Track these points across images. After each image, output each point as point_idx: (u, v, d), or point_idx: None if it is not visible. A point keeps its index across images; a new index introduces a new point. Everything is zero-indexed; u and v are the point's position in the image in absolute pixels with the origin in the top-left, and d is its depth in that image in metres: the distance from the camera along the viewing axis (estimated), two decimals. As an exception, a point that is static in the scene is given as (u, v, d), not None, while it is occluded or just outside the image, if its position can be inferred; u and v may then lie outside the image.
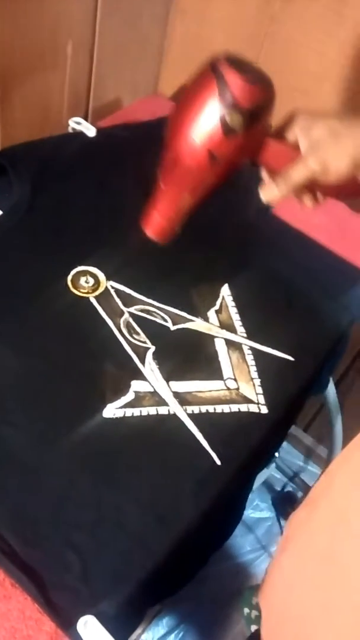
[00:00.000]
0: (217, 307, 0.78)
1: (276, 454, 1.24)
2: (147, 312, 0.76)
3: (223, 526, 0.76)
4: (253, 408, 0.70)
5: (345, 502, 0.46)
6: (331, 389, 1.12)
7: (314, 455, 1.49)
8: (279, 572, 0.52)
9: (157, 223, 0.65)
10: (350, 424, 1.26)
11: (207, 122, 0.57)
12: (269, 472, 1.34)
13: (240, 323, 0.78)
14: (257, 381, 0.73)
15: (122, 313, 0.75)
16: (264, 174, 0.65)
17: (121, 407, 0.67)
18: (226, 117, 0.56)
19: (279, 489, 1.46)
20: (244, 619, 1.29)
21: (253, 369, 0.74)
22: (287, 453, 1.48)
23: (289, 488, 1.47)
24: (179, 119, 0.59)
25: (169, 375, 0.71)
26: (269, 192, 0.62)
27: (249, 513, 1.43)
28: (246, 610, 1.29)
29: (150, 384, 0.69)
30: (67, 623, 0.53)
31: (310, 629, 0.45)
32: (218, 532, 0.75)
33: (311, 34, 0.99)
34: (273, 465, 1.32)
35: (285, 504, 1.43)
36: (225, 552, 1.35)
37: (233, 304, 0.79)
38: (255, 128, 0.58)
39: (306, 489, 1.39)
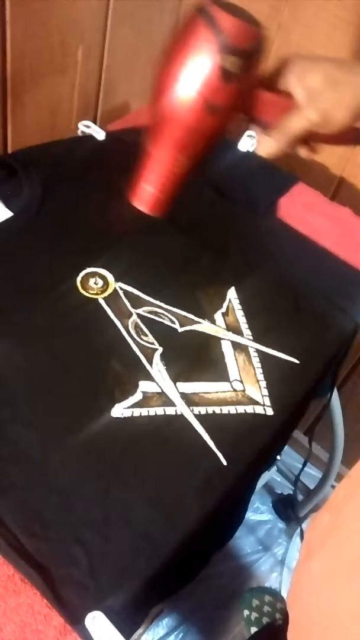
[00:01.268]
0: (223, 309, 0.79)
1: (278, 457, 1.25)
2: (155, 313, 0.77)
3: (227, 525, 0.77)
4: (259, 410, 0.71)
5: None
6: (333, 393, 1.13)
7: (315, 458, 1.50)
8: (306, 578, 0.52)
9: (149, 194, 0.61)
10: (353, 427, 1.27)
11: (202, 68, 0.53)
12: (270, 475, 1.35)
13: (246, 326, 0.79)
14: (263, 383, 0.74)
15: (130, 314, 0.76)
16: (255, 129, 0.61)
17: (129, 407, 0.68)
18: (223, 60, 0.52)
19: (279, 491, 1.47)
20: (243, 621, 1.30)
21: (259, 371, 0.75)
22: (288, 456, 1.49)
23: (289, 491, 1.48)
24: (169, 70, 0.55)
25: (177, 376, 0.71)
26: (266, 146, 0.60)
27: (250, 515, 1.43)
28: (246, 612, 1.30)
29: (157, 384, 0.70)
30: (75, 618, 0.54)
31: (337, 636, 0.45)
32: (222, 531, 0.75)
33: (319, 40, 1.00)
34: (274, 468, 1.33)
35: (285, 506, 1.44)
36: (225, 553, 1.36)
37: (239, 306, 0.80)
38: (251, 72, 0.55)
39: (306, 491, 1.40)
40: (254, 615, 1.29)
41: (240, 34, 0.52)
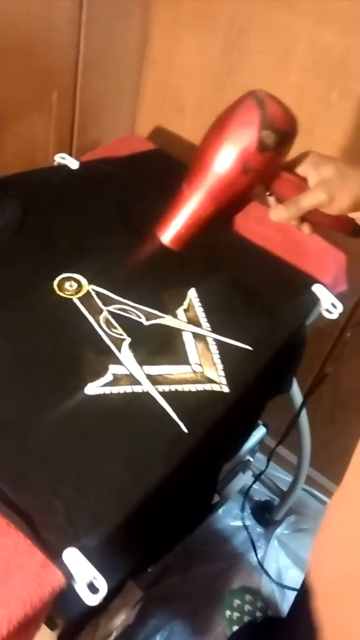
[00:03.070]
0: (185, 306, 0.90)
1: (252, 459, 1.33)
2: (124, 310, 0.87)
3: (194, 498, 0.86)
4: (216, 387, 0.81)
5: None
6: (298, 397, 1.23)
7: (287, 464, 1.58)
8: (329, 541, 0.59)
9: (175, 230, 0.72)
10: (320, 432, 1.36)
11: (246, 136, 0.66)
12: (246, 480, 1.42)
13: (205, 320, 0.89)
14: (220, 366, 0.84)
15: (102, 311, 0.86)
16: (271, 199, 0.74)
17: (101, 386, 0.78)
18: (263, 134, 0.65)
19: (256, 498, 1.55)
20: (225, 621, 1.36)
21: (216, 356, 0.85)
22: (262, 463, 1.57)
23: (266, 497, 1.56)
24: (218, 132, 0.68)
25: (143, 360, 0.81)
26: (279, 213, 0.71)
27: (229, 522, 1.51)
28: (228, 612, 1.37)
29: (126, 367, 0.80)
30: (54, 554, 0.62)
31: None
32: (190, 502, 0.84)
33: (265, 80, 1.14)
34: (249, 473, 1.41)
35: (263, 512, 1.51)
36: (206, 557, 1.42)
37: (199, 304, 0.91)
38: (281, 151, 0.68)
39: (282, 495, 1.48)
40: (236, 614, 1.35)
41: (280, 118, 0.66)
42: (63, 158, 1.10)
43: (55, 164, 1.11)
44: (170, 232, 0.72)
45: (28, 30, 0.99)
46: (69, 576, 0.62)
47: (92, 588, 0.62)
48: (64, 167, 1.09)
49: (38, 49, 1.02)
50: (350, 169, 0.69)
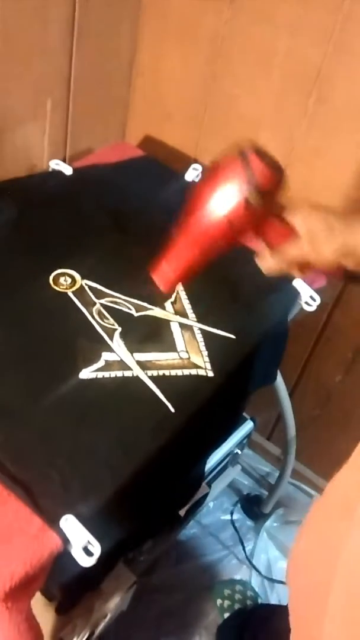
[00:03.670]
0: (172, 299, 0.96)
1: (240, 452, 1.39)
2: (115, 302, 0.93)
3: (182, 477, 0.91)
4: (201, 372, 0.87)
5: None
6: (285, 395, 1.29)
7: (277, 460, 1.64)
8: (300, 550, 0.63)
9: (164, 273, 0.76)
10: (306, 428, 1.41)
11: (232, 196, 0.69)
12: (235, 475, 1.47)
13: (192, 311, 0.95)
14: (205, 353, 0.89)
15: (95, 303, 0.92)
16: (262, 245, 0.76)
17: (94, 371, 0.83)
18: (248, 194, 0.68)
19: (246, 492, 1.60)
20: (216, 609, 1.40)
21: (202, 344, 0.91)
22: (251, 459, 1.63)
23: (255, 492, 1.61)
24: (206, 189, 0.71)
25: (133, 348, 0.87)
26: (266, 263, 0.75)
27: (220, 516, 1.56)
28: (219, 601, 1.41)
29: (117, 354, 0.86)
30: (52, 520, 0.67)
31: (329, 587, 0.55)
32: (178, 480, 0.89)
33: (246, 87, 1.21)
34: (239, 467, 1.46)
35: (252, 505, 1.56)
36: (197, 550, 1.47)
37: (186, 297, 0.97)
38: (268, 205, 0.71)
39: (270, 489, 1.53)
40: (227, 602, 1.39)
41: (265, 179, 0.69)
42: (57, 164, 1.17)
43: (50, 169, 1.17)
44: (160, 274, 0.76)
45: (23, 41, 1.05)
46: (65, 540, 0.67)
47: (87, 551, 0.67)
48: (58, 173, 1.15)
49: (33, 59, 1.09)
50: (337, 222, 0.71)
